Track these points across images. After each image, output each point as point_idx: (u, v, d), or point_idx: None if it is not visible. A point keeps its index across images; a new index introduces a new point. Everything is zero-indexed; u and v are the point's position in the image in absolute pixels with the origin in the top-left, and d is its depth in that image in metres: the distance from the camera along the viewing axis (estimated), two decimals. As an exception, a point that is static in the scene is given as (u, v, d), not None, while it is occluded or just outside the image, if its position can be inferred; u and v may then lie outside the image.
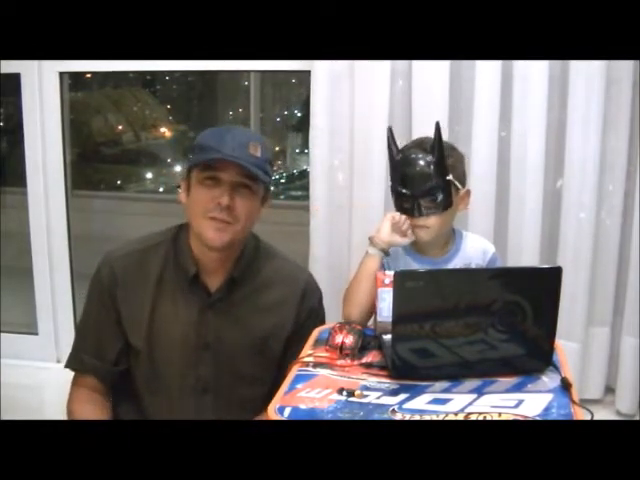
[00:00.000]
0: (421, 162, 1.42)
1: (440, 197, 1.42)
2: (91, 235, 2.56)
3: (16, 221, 2.30)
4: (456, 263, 1.49)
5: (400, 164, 1.45)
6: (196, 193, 1.31)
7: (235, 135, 1.33)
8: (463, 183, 1.48)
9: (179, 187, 1.37)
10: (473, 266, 1.49)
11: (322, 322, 1.48)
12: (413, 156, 1.43)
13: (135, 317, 1.37)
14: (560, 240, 1.84)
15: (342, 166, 1.90)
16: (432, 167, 1.41)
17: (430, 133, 1.51)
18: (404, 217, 1.45)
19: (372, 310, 1.41)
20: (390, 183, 1.50)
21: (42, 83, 2.11)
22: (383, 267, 1.48)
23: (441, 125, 1.76)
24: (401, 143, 1.55)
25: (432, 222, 1.44)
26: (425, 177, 1.41)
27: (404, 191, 1.44)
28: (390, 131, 1.49)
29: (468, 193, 1.50)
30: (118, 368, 1.40)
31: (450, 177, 1.43)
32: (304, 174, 2.96)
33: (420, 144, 1.46)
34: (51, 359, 2.27)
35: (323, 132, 1.87)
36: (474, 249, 1.52)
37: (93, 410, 1.36)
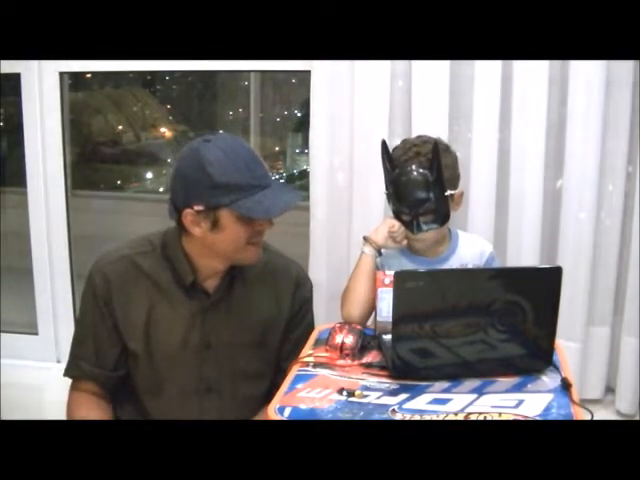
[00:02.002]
0: (420, 182, 1.40)
1: (438, 214, 1.42)
2: (91, 235, 2.55)
3: (16, 221, 2.30)
4: (452, 263, 1.50)
5: (397, 181, 1.44)
6: (237, 230, 1.28)
7: (252, 160, 1.29)
8: (456, 185, 1.48)
9: (178, 213, 1.30)
10: (469, 267, 1.49)
11: (312, 312, 1.50)
12: (410, 173, 1.41)
13: (132, 322, 1.37)
14: (560, 240, 1.84)
15: (342, 166, 1.90)
16: (430, 187, 1.40)
17: (430, 133, 1.51)
18: (402, 228, 1.46)
19: (371, 308, 1.42)
20: (386, 191, 1.50)
21: (42, 83, 2.11)
22: (377, 267, 1.48)
23: (441, 125, 1.77)
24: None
25: (429, 236, 1.45)
26: (423, 197, 1.41)
27: (401, 208, 1.44)
28: (384, 145, 1.47)
29: (461, 194, 1.50)
30: (117, 373, 1.40)
31: (448, 192, 1.42)
32: (304, 174, 2.96)
33: (417, 156, 1.43)
34: (51, 359, 2.27)
35: (323, 132, 1.87)
36: (470, 250, 1.52)
37: (95, 414, 1.35)
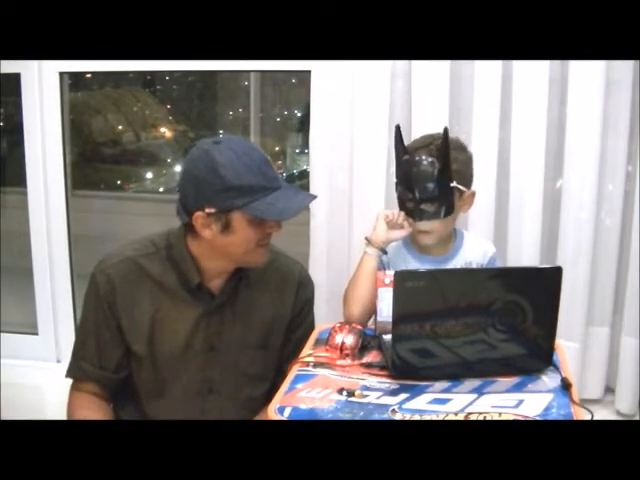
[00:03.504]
0: (427, 168, 1.41)
1: (442, 204, 1.42)
2: (91, 235, 2.56)
3: (16, 221, 2.30)
4: (457, 262, 1.50)
5: (406, 166, 1.44)
6: (248, 232, 1.28)
7: (263, 161, 1.29)
8: (469, 185, 1.48)
9: (188, 215, 1.29)
10: (474, 266, 1.49)
11: (313, 313, 1.51)
12: (419, 160, 1.42)
13: (136, 323, 1.36)
14: (560, 240, 1.84)
15: (342, 166, 1.90)
16: (436, 174, 1.40)
17: (429, 132, 1.51)
18: (397, 212, 1.46)
19: (373, 308, 1.42)
20: (395, 180, 1.49)
21: (42, 83, 2.11)
22: (383, 266, 1.48)
23: (441, 125, 1.77)
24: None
25: (433, 226, 1.44)
26: (429, 184, 1.40)
27: (406, 194, 1.44)
28: (398, 130, 1.47)
29: (473, 195, 1.50)
30: (119, 375, 1.39)
31: (454, 184, 1.42)
32: (304, 174, 2.96)
33: (427, 146, 1.43)
34: (51, 359, 2.27)
35: (323, 132, 1.87)
36: (474, 249, 1.52)
37: (95, 415, 1.35)
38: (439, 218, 1.43)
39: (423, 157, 1.42)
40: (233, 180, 1.23)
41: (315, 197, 1.40)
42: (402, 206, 1.47)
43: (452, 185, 1.42)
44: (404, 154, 1.45)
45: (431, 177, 1.40)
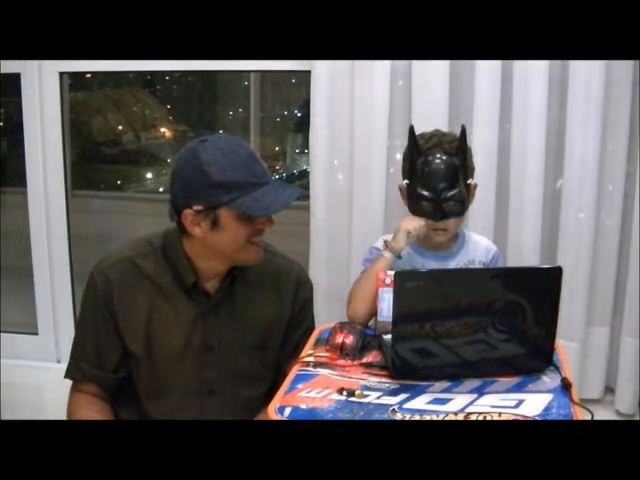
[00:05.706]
0: (446, 167, 1.41)
1: (462, 201, 1.42)
2: (91, 235, 2.56)
3: (16, 221, 2.30)
4: (460, 259, 1.50)
5: (423, 167, 1.43)
6: (237, 229, 1.28)
7: (250, 157, 1.29)
8: (473, 176, 1.49)
9: (178, 214, 1.30)
10: (476, 263, 1.50)
11: (312, 313, 1.50)
12: (437, 160, 1.42)
13: (133, 324, 1.36)
14: (560, 240, 1.84)
15: (342, 166, 1.90)
16: (457, 172, 1.41)
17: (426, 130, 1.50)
18: (418, 225, 1.44)
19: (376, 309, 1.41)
20: (405, 182, 1.47)
21: (42, 83, 2.11)
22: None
23: (441, 125, 1.77)
24: (402, 143, 1.53)
25: (451, 224, 1.45)
26: (451, 183, 1.41)
27: (427, 194, 1.43)
28: (412, 130, 1.46)
29: (476, 186, 1.50)
30: (118, 376, 1.39)
31: (470, 180, 1.43)
32: (304, 174, 2.96)
33: (440, 144, 1.43)
34: (51, 359, 2.27)
35: (323, 132, 1.87)
36: (477, 247, 1.53)
37: (95, 415, 1.35)
38: (460, 215, 1.43)
39: (441, 155, 1.42)
40: (218, 176, 1.24)
41: (303, 192, 1.39)
42: (418, 208, 1.45)
43: (469, 182, 1.43)
44: (419, 155, 1.45)
45: (453, 175, 1.41)
